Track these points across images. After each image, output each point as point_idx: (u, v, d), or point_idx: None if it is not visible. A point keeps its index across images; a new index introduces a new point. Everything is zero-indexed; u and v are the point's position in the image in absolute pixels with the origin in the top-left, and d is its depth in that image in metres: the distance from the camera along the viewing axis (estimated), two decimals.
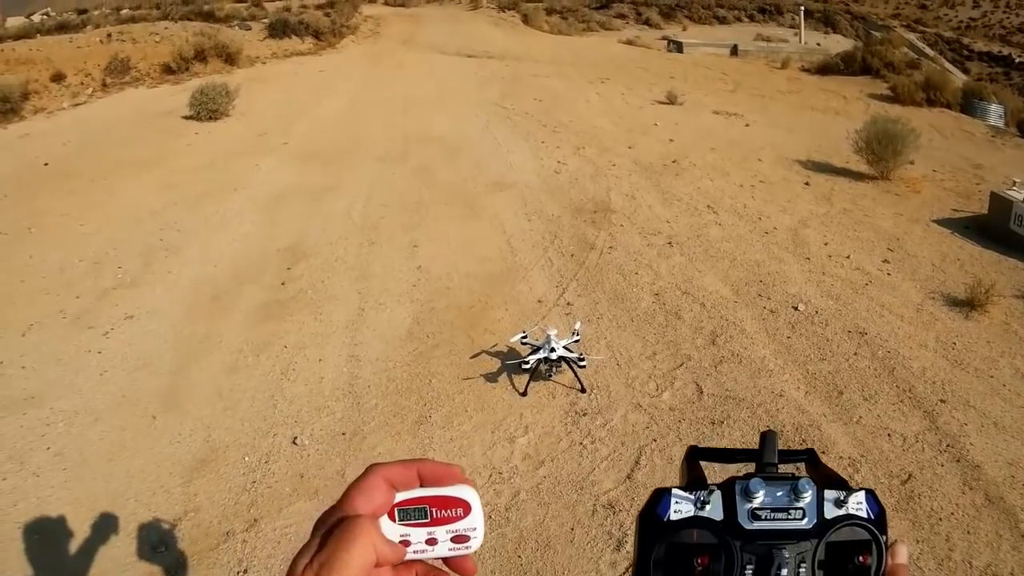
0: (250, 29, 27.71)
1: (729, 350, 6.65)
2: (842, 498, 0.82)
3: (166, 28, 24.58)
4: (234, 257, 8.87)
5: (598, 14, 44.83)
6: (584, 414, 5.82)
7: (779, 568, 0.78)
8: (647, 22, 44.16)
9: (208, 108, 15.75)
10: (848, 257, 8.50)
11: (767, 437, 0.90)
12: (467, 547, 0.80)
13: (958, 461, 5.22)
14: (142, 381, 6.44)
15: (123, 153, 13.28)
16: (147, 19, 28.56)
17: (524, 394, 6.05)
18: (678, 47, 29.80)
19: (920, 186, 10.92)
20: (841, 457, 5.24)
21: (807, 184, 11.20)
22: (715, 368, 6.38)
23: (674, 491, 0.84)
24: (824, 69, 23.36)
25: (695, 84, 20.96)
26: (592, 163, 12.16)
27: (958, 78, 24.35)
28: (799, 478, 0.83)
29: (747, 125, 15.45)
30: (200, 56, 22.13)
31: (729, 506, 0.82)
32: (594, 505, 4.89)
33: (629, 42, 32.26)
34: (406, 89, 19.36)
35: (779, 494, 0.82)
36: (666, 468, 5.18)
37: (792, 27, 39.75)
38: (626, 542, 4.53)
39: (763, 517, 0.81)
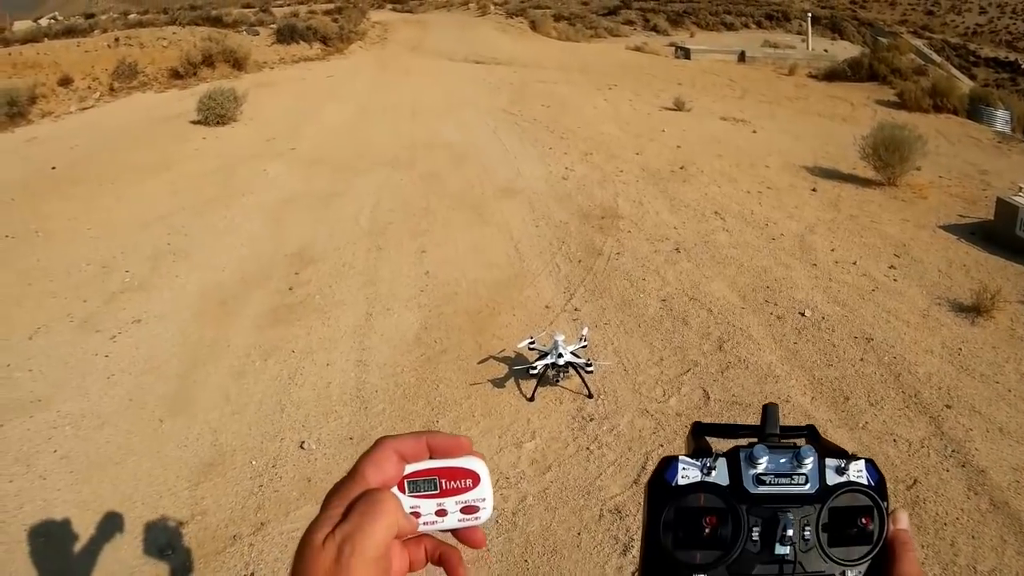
0: (258, 34, 27.81)
1: (736, 356, 6.65)
2: (843, 466, 0.85)
3: (174, 33, 24.66)
4: (242, 262, 8.89)
5: (606, 20, 44.97)
6: (591, 419, 5.82)
7: (785, 529, 0.79)
8: (655, 28, 44.24)
9: (216, 113, 15.80)
10: (855, 263, 8.49)
11: (769, 409, 0.91)
12: (476, 518, 0.82)
13: (963, 466, 5.22)
14: (149, 385, 6.45)
15: (131, 157, 13.33)
16: (155, 24, 28.70)
17: (531, 399, 6.06)
18: (685, 53, 29.84)
19: (927, 192, 10.91)
20: None
21: (814, 190, 11.20)
22: (722, 374, 6.38)
23: (681, 458, 0.86)
24: (831, 75, 23.36)
25: (702, 90, 20.99)
26: (600, 169, 12.17)
27: (965, 84, 24.32)
28: (801, 446, 0.85)
29: (754, 131, 15.46)
30: (208, 61, 22.22)
31: (735, 471, 0.84)
32: (601, 510, 4.89)
33: (637, 48, 32.35)
34: (414, 95, 19.40)
35: (782, 461, 0.84)
36: None
37: (799, 33, 39.76)
38: (633, 547, 4.54)
39: (767, 482, 0.83)
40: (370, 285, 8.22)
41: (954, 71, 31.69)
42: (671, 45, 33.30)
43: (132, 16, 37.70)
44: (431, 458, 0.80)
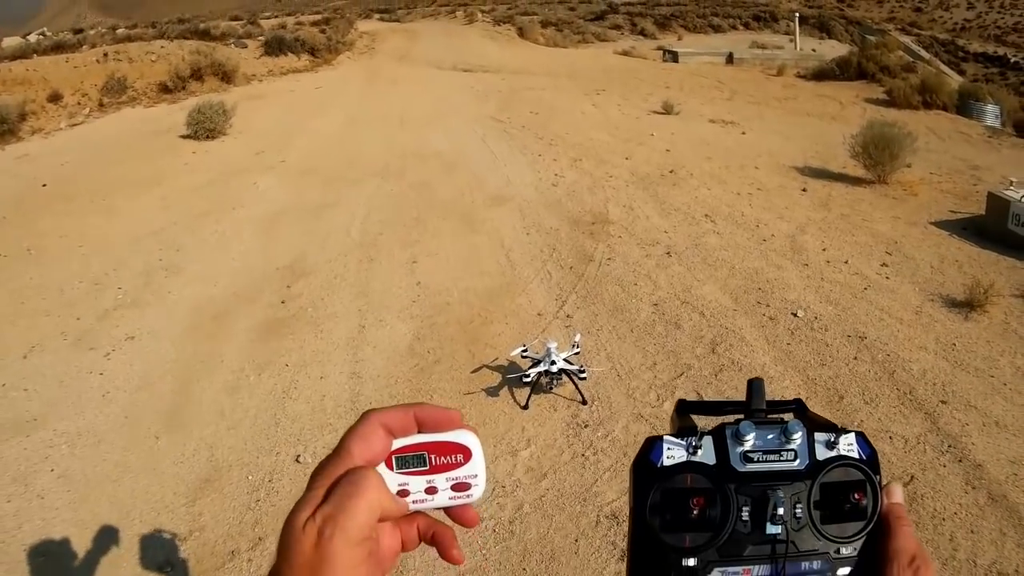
0: (246, 47, 27.81)
1: (729, 358, 6.65)
2: (833, 440, 0.82)
3: (162, 47, 24.64)
4: (234, 276, 8.89)
5: (593, 26, 45.07)
6: (586, 426, 5.82)
7: (775, 508, 0.77)
8: (642, 32, 44.36)
9: (205, 127, 15.80)
10: (846, 262, 8.51)
11: (754, 384, 0.89)
12: (468, 495, 0.78)
13: (960, 461, 5.23)
14: (144, 402, 6.44)
15: (121, 173, 13.32)
16: (143, 38, 28.69)
17: (526, 407, 6.05)
18: (673, 57, 29.94)
19: (917, 189, 10.94)
20: None
21: (804, 190, 11.22)
22: (715, 376, 6.39)
23: (666, 438, 0.83)
24: (820, 75, 23.46)
25: (691, 93, 21.04)
26: (589, 175, 12.19)
27: (954, 80, 24.42)
28: (788, 421, 0.83)
29: (743, 133, 15.50)
30: (196, 75, 22.24)
31: (721, 450, 0.82)
32: (598, 516, 4.89)
33: (625, 53, 32.44)
34: (403, 104, 19.43)
35: (770, 437, 0.82)
36: None
37: (787, 34, 39.91)
38: None
39: (755, 459, 0.81)
40: (362, 297, 8.22)
41: (943, 67, 31.82)
42: (659, 49, 33.41)
43: (120, 31, 37.70)
44: (420, 432, 0.77)
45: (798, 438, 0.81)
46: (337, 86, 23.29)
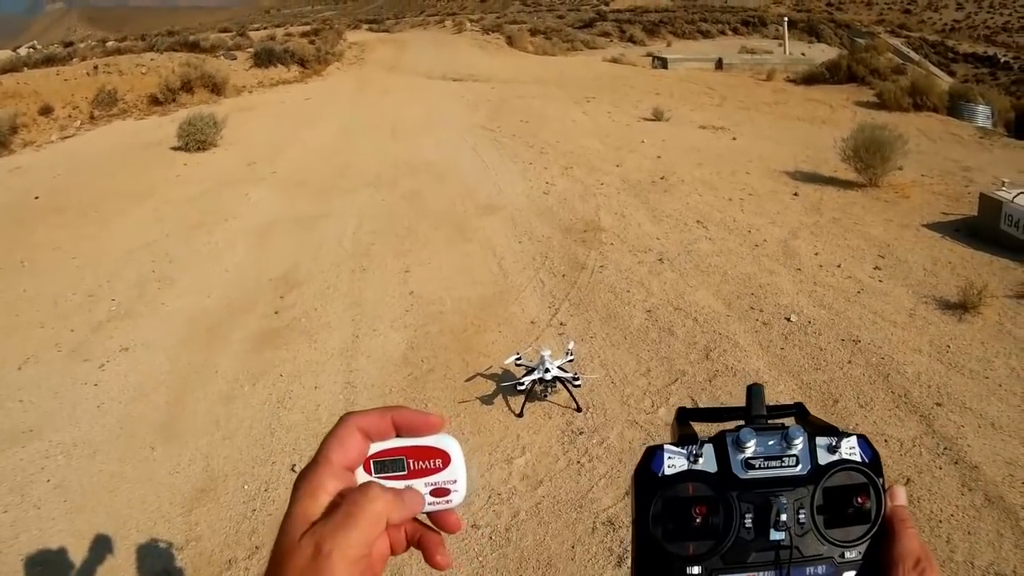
0: (236, 59, 27.85)
1: (723, 364, 6.66)
2: (834, 444, 0.82)
3: (152, 59, 24.68)
4: (227, 287, 8.88)
5: (582, 33, 45.18)
6: (580, 433, 5.82)
7: (778, 515, 0.77)
8: (631, 39, 44.45)
9: (196, 139, 15.80)
10: (839, 266, 8.53)
11: (753, 390, 0.90)
12: (448, 501, 0.78)
13: (956, 463, 5.23)
14: (139, 412, 6.44)
15: (113, 185, 13.32)
16: (133, 51, 28.73)
17: (520, 415, 6.05)
18: (663, 63, 29.98)
19: (909, 191, 10.97)
20: None
21: (796, 195, 11.25)
22: (709, 382, 6.39)
23: (666, 447, 0.84)
24: (810, 79, 23.48)
25: (681, 99, 21.08)
26: (580, 183, 12.20)
27: (944, 81, 24.54)
28: (789, 426, 0.83)
29: (734, 138, 15.53)
30: (187, 87, 22.26)
31: (722, 457, 0.82)
32: (594, 523, 4.89)
33: (614, 60, 32.54)
34: (393, 114, 19.46)
35: (771, 443, 0.82)
36: None
37: (776, 38, 40.04)
38: (627, 558, 4.53)
39: (757, 466, 0.81)
40: (355, 307, 8.22)
41: (933, 69, 31.95)
42: (648, 55, 33.50)
43: (110, 44, 37.69)
44: (398, 436, 0.77)
45: (799, 443, 0.82)
46: (327, 97, 23.33)
